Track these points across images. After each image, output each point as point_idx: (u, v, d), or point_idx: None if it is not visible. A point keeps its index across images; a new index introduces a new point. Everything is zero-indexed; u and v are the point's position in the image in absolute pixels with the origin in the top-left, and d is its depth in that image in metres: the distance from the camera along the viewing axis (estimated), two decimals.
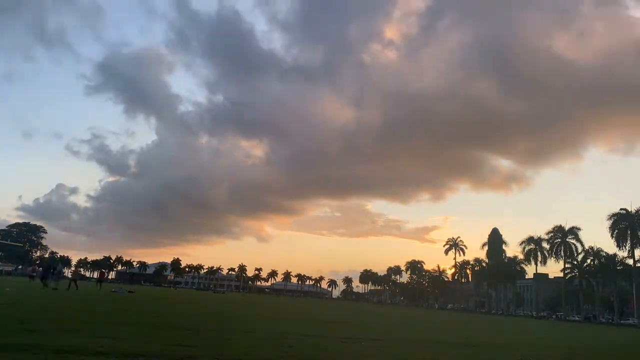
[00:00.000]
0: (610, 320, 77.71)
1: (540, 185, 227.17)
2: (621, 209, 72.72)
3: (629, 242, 70.93)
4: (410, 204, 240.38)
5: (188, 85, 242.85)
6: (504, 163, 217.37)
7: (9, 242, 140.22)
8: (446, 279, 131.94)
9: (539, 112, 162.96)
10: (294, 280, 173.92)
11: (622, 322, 73.85)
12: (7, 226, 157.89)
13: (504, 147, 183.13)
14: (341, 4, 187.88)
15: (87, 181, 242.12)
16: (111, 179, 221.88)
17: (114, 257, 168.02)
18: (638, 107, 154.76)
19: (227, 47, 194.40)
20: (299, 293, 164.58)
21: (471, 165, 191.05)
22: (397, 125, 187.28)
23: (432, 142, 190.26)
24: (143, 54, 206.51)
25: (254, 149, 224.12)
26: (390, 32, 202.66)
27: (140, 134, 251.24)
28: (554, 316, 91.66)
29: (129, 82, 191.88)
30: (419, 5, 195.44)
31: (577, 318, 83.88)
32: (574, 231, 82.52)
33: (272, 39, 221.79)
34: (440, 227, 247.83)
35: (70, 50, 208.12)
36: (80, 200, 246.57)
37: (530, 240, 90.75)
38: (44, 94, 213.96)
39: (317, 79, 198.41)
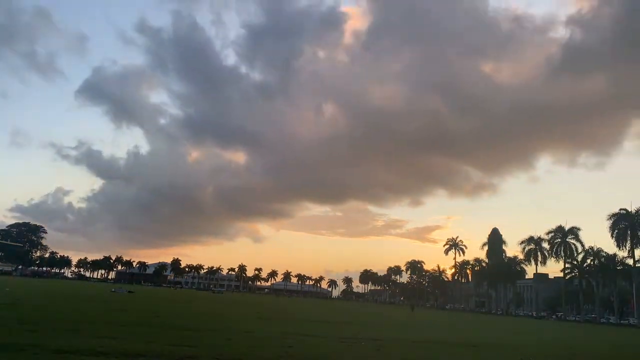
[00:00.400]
0: (610, 320, 77.70)
1: (541, 186, 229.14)
2: (621, 209, 72.59)
3: (629, 242, 70.83)
4: (392, 207, 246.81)
5: (165, 99, 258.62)
6: (472, 172, 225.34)
7: (8, 242, 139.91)
8: (446, 279, 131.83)
9: (487, 128, 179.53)
10: (294, 280, 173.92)
11: (622, 322, 73.83)
12: (7, 226, 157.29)
13: (469, 158, 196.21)
14: (288, 28, 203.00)
15: (81, 185, 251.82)
16: (105, 183, 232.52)
17: (113, 257, 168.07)
18: (565, 124, 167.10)
19: (192, 63, 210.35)
20: (298, 293, 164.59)
21: (447, 173, 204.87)
22: (367, 137, 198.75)
23: (404, 152, 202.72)
24: (124, 72, 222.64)
25: (234, 157, 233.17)
26: (341, 52, 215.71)
27: (127, 143, 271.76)
28: (554, 316, 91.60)
29: (113, 97, 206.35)
30: (362, 30, 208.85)
31: (576, 318, 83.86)
32: (574, 231, 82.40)
33: (231, 57, 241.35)
34: (443, 226, 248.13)
35: (61, 73, 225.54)
36: (75, 203, 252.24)
37: (530, 240, 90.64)
38: (38, 109, 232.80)
39: (275, 95, 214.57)
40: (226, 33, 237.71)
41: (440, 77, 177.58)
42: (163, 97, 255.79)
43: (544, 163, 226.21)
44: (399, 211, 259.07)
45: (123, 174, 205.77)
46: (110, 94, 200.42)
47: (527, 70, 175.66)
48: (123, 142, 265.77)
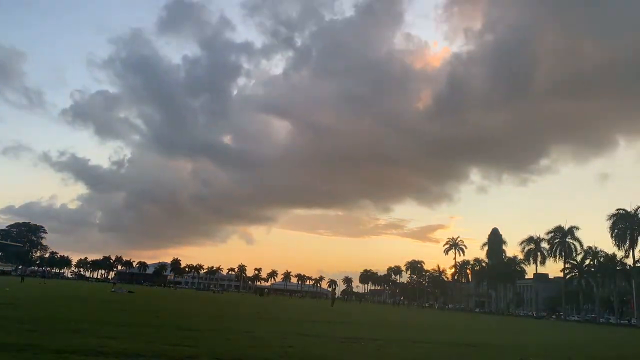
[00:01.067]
0: (610, 320, 77.72)
1: (541, 188, 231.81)
2: (621, 209, 72.69)
3: (628, 242, 70.85)
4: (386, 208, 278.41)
5: (136, 116, 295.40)
6: (425, 183, 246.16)
7: (8, 242, 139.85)
8: (446, 279, 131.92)
9: (419, 149, 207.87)
10: (294, 280, 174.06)
11: (621, 322, 73.86)
12: (7, 226, 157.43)
13: (420, 171, 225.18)
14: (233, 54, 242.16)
15: (68, 191, 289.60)
16: (92, 189, 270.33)
17: (113, 258, 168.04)
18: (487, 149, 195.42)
19: (153, 85, 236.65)
20: (298, 293, 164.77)
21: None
22: (323, 151, 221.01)
23: (361, 163, 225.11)
24: (101, 94, 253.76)
25: (205, 168, 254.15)
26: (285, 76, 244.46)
27: (110, 155, 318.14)
28: (553, 316, 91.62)
29: (93, 116, 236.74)
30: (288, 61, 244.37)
31: (576, 318, 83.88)
32: (573, 231, 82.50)
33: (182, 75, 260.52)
34: (446, 226, 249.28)
35: (48, 100, 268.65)
36: (66, 207, 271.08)
37: (530, 240, 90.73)
38: (30, 129, 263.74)
39: (230, 113, 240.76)
40: (179, 59, 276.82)
41: (370, 103, 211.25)
42: (134, 115, 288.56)
43: (477, 179, 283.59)
44: (401, 211, 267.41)
45: (109, 181, 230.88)
46: (89, 114, 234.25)
47: (442, 102, 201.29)
48: (106, 154, 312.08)
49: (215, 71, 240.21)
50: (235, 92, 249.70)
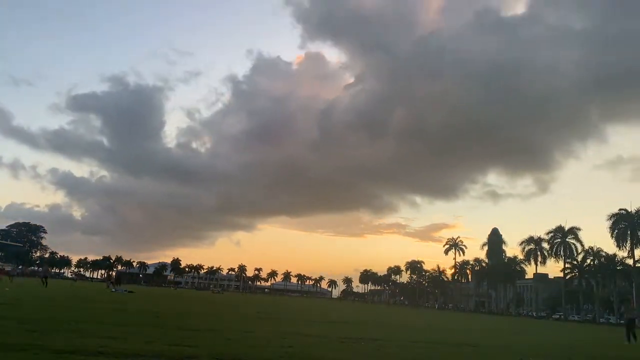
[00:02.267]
0: (610, 320, 77.71)
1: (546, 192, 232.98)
2: (621, 209, 72.70)
3: (628, 242, 70.89)
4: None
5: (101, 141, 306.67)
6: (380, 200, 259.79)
7: (8, 242, 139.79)
8: (446, 279, 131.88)
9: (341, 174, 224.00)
10: (294, 280, 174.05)
11: (621, 322, 73.83)
12: (7, 226, 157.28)
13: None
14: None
15: (50, 198, 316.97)
16: (71, 198, 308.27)
17: (113, 258, 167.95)
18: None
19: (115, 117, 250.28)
20: (298, 293, 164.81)
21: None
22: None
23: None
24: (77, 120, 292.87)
25: (172, 186, 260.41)
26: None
27: (91, 174, 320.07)
28: (554, 316, 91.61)
29: (75, 142, 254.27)
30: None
31: (576, 318, 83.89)
32: (573, 231, 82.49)
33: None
34: (451, 225, 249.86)
35: (34, 133, 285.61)
36: (55, 211, 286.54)
37: (530, 240, 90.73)
38: (25, 151, 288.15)
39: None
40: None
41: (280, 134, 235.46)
42: (100, 140, 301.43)
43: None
44: (403, 211, 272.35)
45: (92, 194, 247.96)
46: (66, 141, 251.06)
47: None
48: (87, 171, 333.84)
49: (148, 109, 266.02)
50: (172, 123, 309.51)
